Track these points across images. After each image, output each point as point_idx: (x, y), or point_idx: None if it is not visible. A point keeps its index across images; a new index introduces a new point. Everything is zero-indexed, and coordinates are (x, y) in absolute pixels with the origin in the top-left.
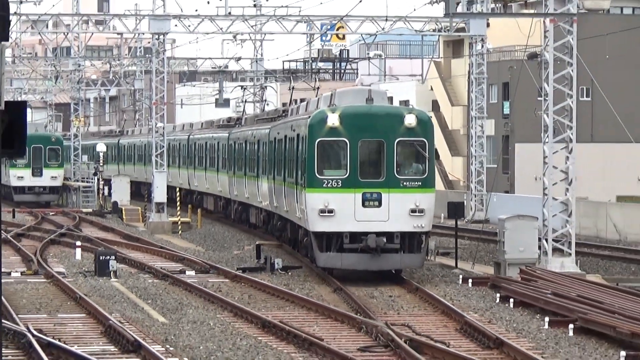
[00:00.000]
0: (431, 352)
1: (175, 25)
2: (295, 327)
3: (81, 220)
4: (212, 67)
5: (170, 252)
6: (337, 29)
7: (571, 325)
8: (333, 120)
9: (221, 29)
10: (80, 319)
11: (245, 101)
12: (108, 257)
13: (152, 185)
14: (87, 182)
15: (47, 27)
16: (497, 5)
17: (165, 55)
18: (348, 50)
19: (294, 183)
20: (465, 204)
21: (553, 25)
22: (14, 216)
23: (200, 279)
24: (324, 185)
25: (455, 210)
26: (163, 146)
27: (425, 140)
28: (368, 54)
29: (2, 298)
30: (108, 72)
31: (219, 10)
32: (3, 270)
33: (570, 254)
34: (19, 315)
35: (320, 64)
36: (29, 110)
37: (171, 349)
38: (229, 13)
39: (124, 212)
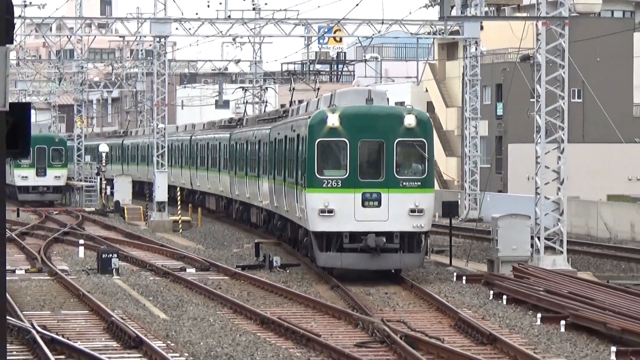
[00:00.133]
0: (426, 347)
1: (176, 28)
2: (293, 323)
3: (84, 219)
4: (212, 69)
5: (171, 250)
6: (335, 32)
7: (563, 322)
8: (333, 120)
9: (221, 31)
10: (83, 315)
11: (246, 102)
12: (110, 255)
13: (154, 185)
14: (90, 181)
15: (50, 30)
16: (491, 8)
17: (166, 57)
18: (345, 52)
19: (294, 183)
20: (459, 203)
21: (545, 29)
22: (18, 215)
23: (200, 277)
24: (324, 185)
25: (450, 209)
26: (164, 146)
27: (424, 141)
28: (364, 56)
29: (7, 295)
30: (110, 74)
31: (219, 14)
32: (8, 268)
33: (562, 252)
34: (24, 312)
35: (318, 66)
36: (33, 111)
37: (172, 344)
38: (229, 16)
39: (125, 211)
